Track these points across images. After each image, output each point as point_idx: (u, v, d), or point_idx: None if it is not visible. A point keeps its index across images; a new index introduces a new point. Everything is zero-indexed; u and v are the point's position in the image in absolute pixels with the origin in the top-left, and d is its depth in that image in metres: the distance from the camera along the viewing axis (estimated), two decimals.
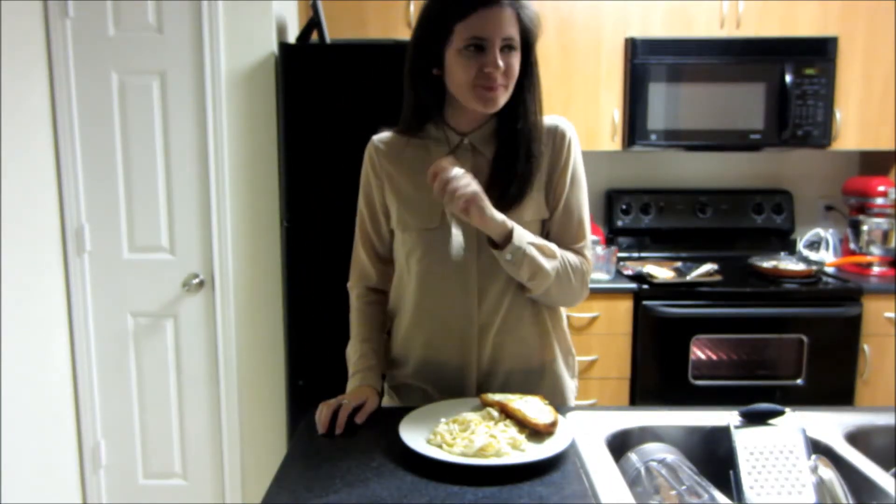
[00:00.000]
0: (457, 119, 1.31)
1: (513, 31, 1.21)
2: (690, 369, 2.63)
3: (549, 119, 1.34)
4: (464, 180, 1.15)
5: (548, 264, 1.24)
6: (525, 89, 1.27)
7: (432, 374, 1.36)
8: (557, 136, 1.32)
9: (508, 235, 1.21)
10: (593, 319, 2.65)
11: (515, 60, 1.23)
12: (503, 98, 1.24)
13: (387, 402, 1.44)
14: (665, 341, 2.62)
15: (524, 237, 1.22)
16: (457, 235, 1.22)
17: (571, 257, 1.30)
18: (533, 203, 1.29)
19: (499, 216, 1.20)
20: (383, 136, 1.37)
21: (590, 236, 1.37)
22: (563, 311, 1.42)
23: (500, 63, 1.19)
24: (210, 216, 2.49)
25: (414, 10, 2.73)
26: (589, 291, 1.35)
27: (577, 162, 1.34)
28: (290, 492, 1.01)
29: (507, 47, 1.21)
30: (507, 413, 1.17)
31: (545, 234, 1.33)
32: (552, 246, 1.27)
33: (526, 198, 1.28)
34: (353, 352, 1.38)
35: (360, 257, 1.42)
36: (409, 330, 1.37)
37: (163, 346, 2.57)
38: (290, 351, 2.49)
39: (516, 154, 1.27)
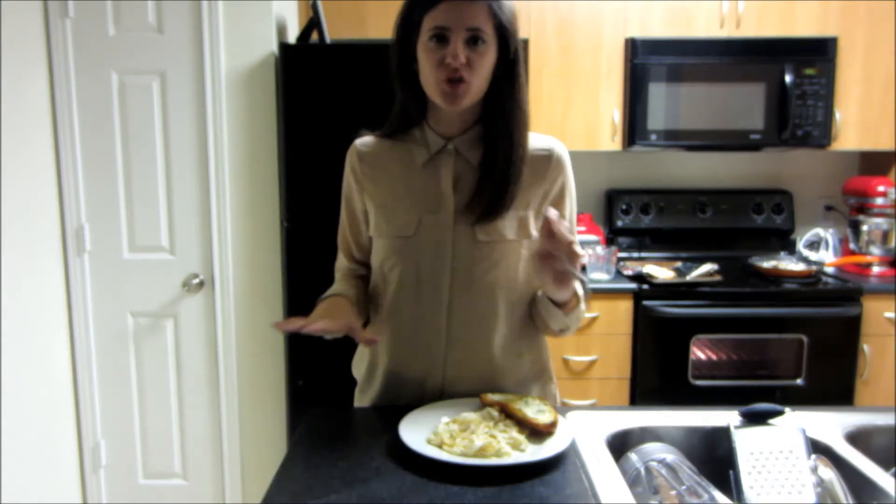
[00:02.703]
0: (441, 123, 1.26)
1: (481, 23, 1.14)
2: (690, 369, 2.63)
3: (543, 140, 1.29)
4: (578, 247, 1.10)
5: (585, 311, 1.28)
6: (503, 89, 1.21)
7: (397, 385, 1.33)
8: (553, 160, 1.27)
9: (575, 299, 1.22)
10: (593, 319, 2.65)
11: (484, 55, 1.16)
12: (468, 96, 1.18)
13: (358, 401, 1.42)
14: (665, 341, 2.62)
15: (582, 296, 1.24)
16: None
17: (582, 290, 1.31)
18: (516, 221, 1.24)
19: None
20: (365, 139, 1.34)
21: None
22: (543, 337, 1.39)
23: (461, 54, 1.13)
24: (210, 216, 2.49)
25: None
26: None
27: (573, 188, 1.32)
28: (290, 492, 1.01)
29: (474, 39, 1.14)
30: (507, 413, 1.17)
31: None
32: (580, 290, 1.26)
33: (509, 210, 1.23)
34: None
35: (342, 262, 1.40)
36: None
37: (163, 346, 2.57)
38: (290, 351, 2.49)
39: (496, 159, 1.22)
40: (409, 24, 1.20)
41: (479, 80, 1.18)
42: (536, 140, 1.28)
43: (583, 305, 1.26)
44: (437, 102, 1.20)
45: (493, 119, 1.23)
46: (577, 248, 1.09)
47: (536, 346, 1.36)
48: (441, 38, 1.15)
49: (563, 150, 1.29)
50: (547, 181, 1.27)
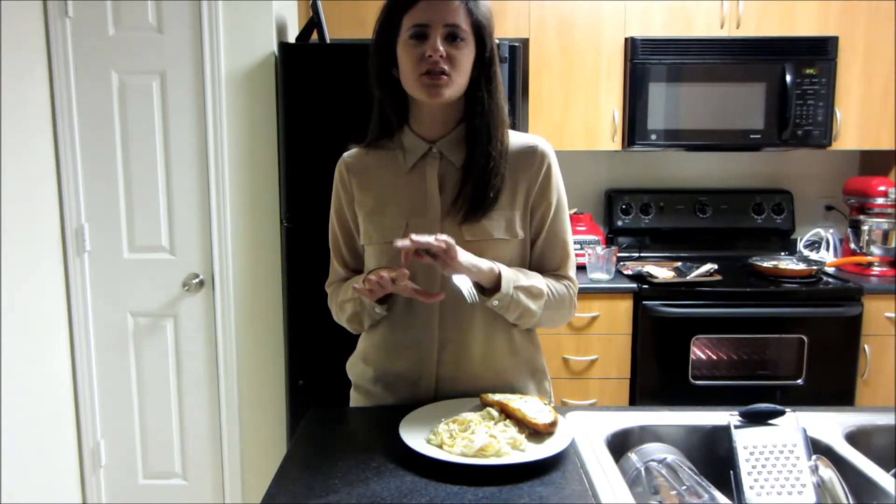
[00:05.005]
0: (424, 125, 1.29)
1: (459, 20, 1.19)
2: (690, 369, 2.63)
3: (527, 138, 1.32)
4: (428, 237, 1.11)
5: (534, 305, 1.25)
6: (480, 85, 1.25)
7: (390, 384, 1.34)
8: (537, 156, 1.29)
9: (496, 282, 1.21)
10: (593, 319, 2.65)
11: (462, 50, 1.20)
12: (449, 89, 1.20)
13: (354, 401, 1.43)
14: (665, 341, 2.62)
15: (511, 283, 1.22)
16: (461, 282, 1.17)
17: (558, 287, 1.30)
18: (503, 220, 1.26)
19: (484, 264, 1.19)
20: (352, 151, 1.37)
21: (573, 256, 1.35)
22: (536, 333, 1.40)
23: (441, 48, 1.17)
24: (210, 216, 2.49)
25: None
26: (576, 309, 1.36)
27: (559, 183, 1.32)
28: (290, 492, 1.01)
29: (452, 35, 1.19)
30: (507, 413, 1.17)
31: (527, 257, 1.32)
32: (540, 284, 1.26)
33: (492, 210, 1.25)
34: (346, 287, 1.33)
35: (339, 274, 1.40)
36: (370, 338, 1.37)
37: (163, 346, 2.57)
38: (290, 351, 2.49)
39: (477, 156, 1.24)
40: (388, 25, 1.23)
41: (458, 75, 1.21)
42: (521, 138, 1.32)
43: (522, 297, 1.23)
44: (419, 97, 1.23)
45: (472, 118, 1.26)
46: (438, 245, 1.11)
47: (529, 343, 1.38)
48: (420, 34, 1.19)
49: (546, 146, 1.32)
50: (532, 175, 1.29)
